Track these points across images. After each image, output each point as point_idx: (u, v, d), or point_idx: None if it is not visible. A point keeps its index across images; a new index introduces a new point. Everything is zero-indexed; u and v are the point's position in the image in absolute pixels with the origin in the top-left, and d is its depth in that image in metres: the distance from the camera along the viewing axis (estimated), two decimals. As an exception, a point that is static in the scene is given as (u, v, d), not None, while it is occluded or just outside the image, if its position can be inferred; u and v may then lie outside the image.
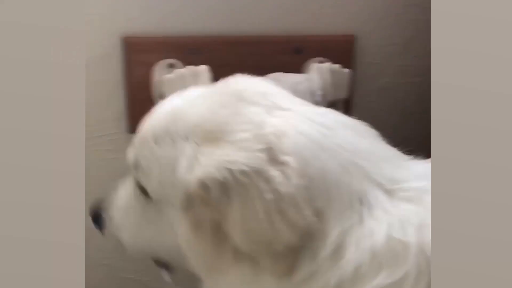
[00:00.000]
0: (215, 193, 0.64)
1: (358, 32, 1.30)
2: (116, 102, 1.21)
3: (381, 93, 1.38)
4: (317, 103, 1.22)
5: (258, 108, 0.70)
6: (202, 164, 0.66)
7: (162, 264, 0.85)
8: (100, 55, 1.18)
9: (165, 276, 0.87)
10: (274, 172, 0.63)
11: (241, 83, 0.76)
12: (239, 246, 0.65)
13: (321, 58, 1.28)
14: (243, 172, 0.62)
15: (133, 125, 1.20)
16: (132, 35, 1.18)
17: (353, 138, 0.70)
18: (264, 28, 1.24)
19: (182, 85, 1.14)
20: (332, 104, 1.30)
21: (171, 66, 1.20)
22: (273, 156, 0.64)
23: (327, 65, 1.26)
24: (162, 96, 1.22)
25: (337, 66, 1.27)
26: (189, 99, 0.75)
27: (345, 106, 1.34)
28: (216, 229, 0.66)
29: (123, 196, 0.82)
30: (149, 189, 0.74)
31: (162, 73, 1.19)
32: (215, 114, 0.69)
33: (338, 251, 0.62)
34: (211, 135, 0.67)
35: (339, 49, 1.30)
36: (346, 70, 1.28)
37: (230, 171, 0.63)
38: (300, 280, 0.64)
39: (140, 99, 1.21)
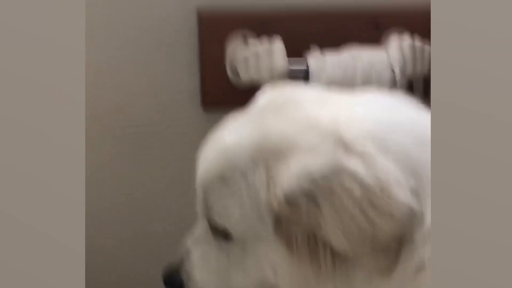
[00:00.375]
0: (302, 205, 0.62)
1: (441, 5, 1.24)
2: (191, 80, 1.21)
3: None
4: (395, 79, 1.22)
5: (310, 107, 0.69)
6: (281, 180, 0.64)
7: None
8: (175, 30, 1.18)
9: None
10: (355, 166, 0.61)
11: (279, 95, 0.74)
12: (341, 250, 0.63)
13: (401, 33, 1.23)
14: (324, 176, 0.61)
15: (208, 101, 1.22)
16: (207, 9, 1.17)
17: (414, 114, 0.69)
18: (341, 1, 1.20)
19: (256, 60, 1.16)
20: (410, 82, 1.27)
21: (246, 39, 1.18)
22: (347, 147, 0.62)
23: (407, 40, 1.21)
24: (235, 72, 1.22)
25: (417, 41, 1.22)
26: (234, 128, 0.73)
27: (425, 84, 1.28)
28: (311, 242, 0.64)
29: (198, 249, 0.78)
30: (229, 228, 0.71)
31: (237, 49, 1.18)
32: (272, 127, 0.68)
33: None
34: (278, 151, 0.66)
35: (420, 24, 1.23)
36: (427, 46, 1.22)
37: (311, 178, 0.62)
38: (402, 272, 0.62)
39: (215, 74, 1.20)
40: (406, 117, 0.68)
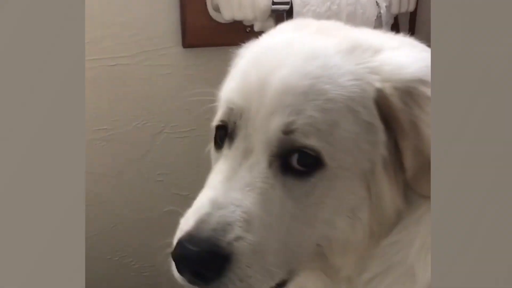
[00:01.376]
0: (412, 94, 0.58)
1: None
2: (171, 14, 1.16)
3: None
4: (381, 15, 1.18)
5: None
6: (392, 70, 0.60)
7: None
8: None
9: None
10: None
11: (317, 21, 0.70)
12: (408, 166, 0.59)
13: None
14: (423, 76, 0.59)
15: (188, 38, 1.17)
16: None
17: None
18: None
19: None
20: (396, 18, 1.25)
21: None
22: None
23: None
24: (217, 8, 1.19)
25: None
26: (310, 41, 0.63)
27: (411, 20, 1.28)
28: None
29: (252, 194, 0.59)
30: (329, 152, 0.58)
31: None
32: (356, 37, 0.64)
33: None
34: (374, 48, 0.62)
35: None
36: None
37: (423, 74, 0.59)
38: None
39: (195, 11, 1.15)
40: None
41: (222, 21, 1.16)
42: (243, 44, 0.71)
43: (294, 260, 0.60)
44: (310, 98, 0.57)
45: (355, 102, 0.58)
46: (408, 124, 0.58)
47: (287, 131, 0.58)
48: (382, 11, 1.16)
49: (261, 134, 0.59)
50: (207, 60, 1.20)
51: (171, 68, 1.20)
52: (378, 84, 0.58)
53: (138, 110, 1.21)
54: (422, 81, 0.58)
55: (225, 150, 0.62)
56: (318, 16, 1.13)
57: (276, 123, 0.58)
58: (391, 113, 0.58)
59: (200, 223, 0.56)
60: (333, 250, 0.61)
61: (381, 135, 0.59)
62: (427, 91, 0.57)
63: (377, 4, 1.17)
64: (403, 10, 1.20)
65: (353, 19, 1.14)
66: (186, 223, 0.57)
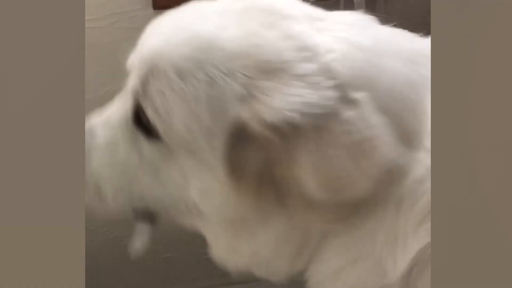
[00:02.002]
0: (284, 136, 0.55)
1: None
2: None
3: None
4: None
5: (302, 24, 0.60)
6: (270, 103, 0.55)
7: (144, 216, 0.69)
8: None
9: (141, 230, 0.70)
10: (348, 113, 0.55)
11: None
12: (309, 192, 0.56)
13: None
14: (318, 115, 0.55)
15: (160, 4, 1.17)
16: None
17: (407, 43, 0.63)
18: None
19: None
20: None
21: None
22: (344, 93, 0.56)
23: None
24: None
25: None
26: (211, 18, 0.60)
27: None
28: (266, 177, 0.57)
29: (106, 133, 0.66)
30: (162, 131, 0.60)
31: None
32: (264, 38, 0.58)
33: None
34: (268, 67, 0.56)
35: None
36: None
37: (304, 113, 0.54)
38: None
39: None
40: (400, 50, 0.62)
41: None
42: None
43: (141, 202, 0.65)
44: (158, 75, 0.60)
45: (200, 103, 0.59)
46: (278, 157, 0.57)
47: (137, 93, 0.61)
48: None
49: (129, 84, 0.65)
50: None
51: (141, 31, 1.22)
52: (243, 113, 0.57)
53: (108, 75, 1.18)
54: (296, 124, 0.55)
55: None
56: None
57: (132, 82, 0.63)
58: (253, 140, 0.57)
59: None
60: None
61: (219, 144, 0.59)
62: (301, 132, 0.55)
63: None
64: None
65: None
66: None
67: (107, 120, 0.66)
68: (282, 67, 0.56)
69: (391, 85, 0.58)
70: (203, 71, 0.57)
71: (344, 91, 0.56)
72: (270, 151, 0.56)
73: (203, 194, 0.60)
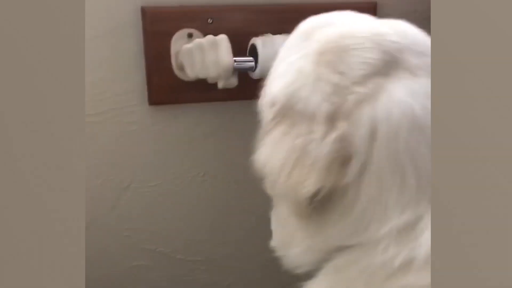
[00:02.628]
0: (275, 112, 0.67)
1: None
2: (136, 73, 1.21)
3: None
4: None
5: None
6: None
7: None
8: (120, 25, 1.19)
9: None
10: (319, 127, 0.63)
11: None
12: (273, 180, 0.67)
13: None
14: (299, 103, 0.64)
15: (154, 96, 1.22)
16: (151, 4, 1.21)
17: None
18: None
19: (201, 55, 1.16)
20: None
21: (190, 36, 1.18)
22: (336, 113, 0.62)
23: None
24: (181, 67, 1.16)
25: None
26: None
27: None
28: None
29: None
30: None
31: (181, 43, 1.19)
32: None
33: None
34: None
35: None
36: None
37: (290, 97, 0.66)
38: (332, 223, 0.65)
39: (160, 70, 1.21)
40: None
41: (186, 79, 1.21)
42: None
43: None
44: None
45: None
46: None
47: None
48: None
49: None
50: (173, 116, 1.25)
51: (137, 125, 1.23)
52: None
53: (106, 166, 1.23)
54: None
55: None
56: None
57: None
58: None
59: None
60: None
61: None
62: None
63: None
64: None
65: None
66: None
67: None
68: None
69: None
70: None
71: (337, 112, 0.62)
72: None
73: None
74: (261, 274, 1.35)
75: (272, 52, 1.05)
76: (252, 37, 1.21)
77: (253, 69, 1.19)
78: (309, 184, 0.61)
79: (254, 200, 1.27)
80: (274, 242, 0.75)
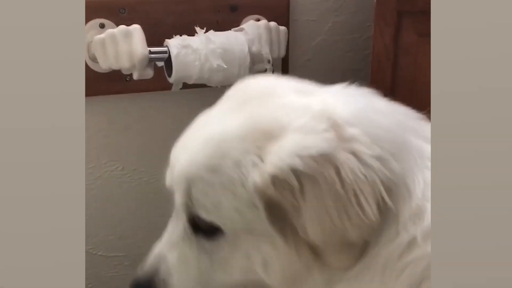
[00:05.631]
0: (289, 184, 0.61)
1: (293, -11, 1.29)
2: None
3: (318, 51, 1.36)
4: (253, 61, 1.17)
5: (291, 95, 0.69)
6: (271, 159, 0.63)
7: None
8: None
9: None
10: (344, 156, 0.61)
11: (256, 84, 0.73)
12: (312, 240, 0.63)
13: (257, 16, 1.26)
14: (313, 158, 0.60)
15: None
16: None
17: (387, 104, 0.71)
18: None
19: (114, 45, 1.12)
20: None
21: (102, 26, 1.15)
22: (340, 131, 0.62)
23: (263, 22, 1.22)
24: (93, 58, 1.11)
25: (273, 23, 1.24)
26: (217, 120, 0.70)
27: (283, 65, 1.32)
28: (294, 230, 0.64)
29: (175, 253, 0.73)
30: (221, 224, 0.68)
31: (93, 34, 1.16)
32: (262, 115, 0.67)
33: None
34: (272, 134, 0.64)
35: (274, 7, 1.28)
36: (283, 27, 1.25)
37: (301, 157, 0.61)
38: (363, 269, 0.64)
39: None
40: (382, 104, 0.71)
41: (100, 71, 1.17)
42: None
43: None
44: (196, 184, 0.67)
45: (236, 186, 0.65)
46: (291, 208, 0.63)
47: (187, 206, 0.69)
48: (253, 55, 1.17)
49: (177, 202, 0.72)
50: (87, 109, 1.16)
51: None
52: (256, 178, 0.64)
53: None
54: (295, 171, 0.61)
55: None
56: (194, 61, 1.13)
57: (179, 199, 0.70)
58: (273, 200, 0.63)
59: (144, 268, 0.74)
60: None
61: (262, 212, 0.65)
62: (302, 179, 0.61)
63: (249, 48, 1.17)
64: (275, 56, 1.24)
65: (227, 62, 1.15)
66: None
67: (169, 242, 0.73)
68: (280, 130, 0.63)
69: (381, 121, 0.65)
70: (228, 159, 0.65)
71: (340, 129, 0.62)
72: (285, 205, 0.62)
73: (265, 264, 0.67)
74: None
75: (187, 57, 1.11)
76: (166, 28, 1.19)
77: (169, 61, 1.15)
78: None
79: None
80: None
